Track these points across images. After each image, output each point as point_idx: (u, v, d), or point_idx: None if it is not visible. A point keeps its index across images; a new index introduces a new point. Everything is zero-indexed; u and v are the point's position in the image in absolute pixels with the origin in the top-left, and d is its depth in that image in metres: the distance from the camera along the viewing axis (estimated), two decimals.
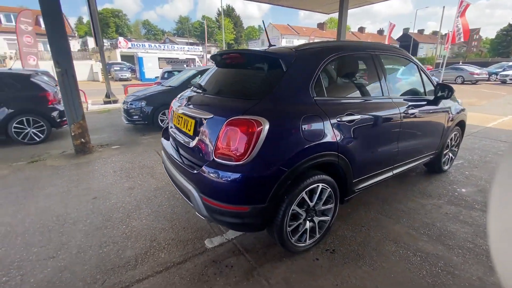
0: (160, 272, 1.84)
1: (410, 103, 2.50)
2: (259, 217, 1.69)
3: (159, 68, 20.85)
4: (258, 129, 1.58)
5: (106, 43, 43.42)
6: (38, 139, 4.92)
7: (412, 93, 2.72)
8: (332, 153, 1.86)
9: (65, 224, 2.41)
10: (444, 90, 2.69)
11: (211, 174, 1.65)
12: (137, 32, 73.59)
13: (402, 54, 2.65)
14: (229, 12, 63.59)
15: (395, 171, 2.58)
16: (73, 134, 4.25)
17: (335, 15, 7.84)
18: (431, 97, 2.78)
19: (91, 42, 47.68)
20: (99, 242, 2.16)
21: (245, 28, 67.86)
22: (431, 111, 2.77)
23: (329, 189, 1.97)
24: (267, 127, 1.60)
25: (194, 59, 23.06)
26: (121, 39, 31.69)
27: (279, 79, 1.79)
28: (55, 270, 1.86)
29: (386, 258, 1.94)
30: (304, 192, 1.81)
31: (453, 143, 3.36)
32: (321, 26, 52.40)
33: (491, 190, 0.41)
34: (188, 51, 31.80)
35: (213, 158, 1.68)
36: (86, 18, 69.45)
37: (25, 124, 4.77)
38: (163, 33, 77.54)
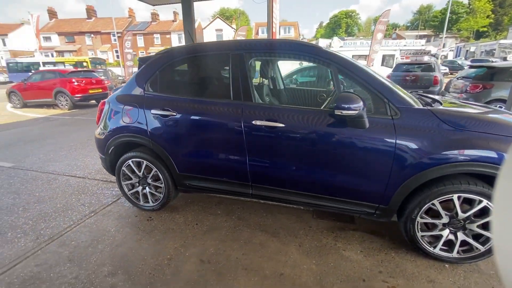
0: (104, 181, 3.33)
1: (279, 113, 1.93)
2: (106, 163, 2.62)
3: None
4: (102, 107, 2.50)
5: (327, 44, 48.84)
6: None
7: (299, 102, 1.95)
8: (142, 137, 2.29)
9: None
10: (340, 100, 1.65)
11: None
12: (366, 30, 74.53)
13: (298, 51, 1.96)
14: None
15: (255, 192, 2.16)
16: None
17: None
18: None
19: (321, 43, 56.08)
20: None
21: None
22: (328, 132, 1.83)
23: (155, 169, 2.39)
24: (107, 106, 2.47)
25: (393, 55, 20.76)
26: (335, 39, 34.49)
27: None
28: (69, 169, 3.92)
29: (161, 248, 2.09)
30: (130, 160, 2.45)
31: (462, 214, 1.72)
32: None
33: (496, 183, 0.40)
34: (396, 45, 28.33)
35: None
36: (325, 22, 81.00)
37: None
38: (394, 28, 72.59)
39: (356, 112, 1.64)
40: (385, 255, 1.96)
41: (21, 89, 9.60)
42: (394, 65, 11.03)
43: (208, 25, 37.11)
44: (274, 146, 1.99)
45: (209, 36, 35.83)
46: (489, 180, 1.67)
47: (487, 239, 1.75)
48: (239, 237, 2.19)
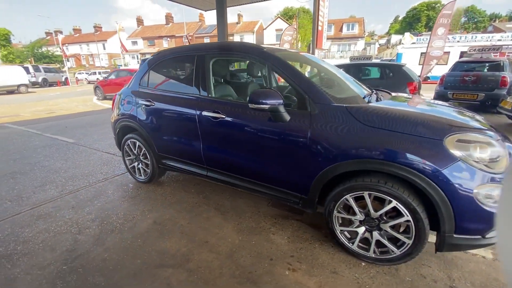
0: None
1: (225, 106, 2.23)
2: (116, 142, 3.35)
3: (419, 64, 19.18)
4: (115, 97, 3.22)
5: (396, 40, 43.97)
6: None
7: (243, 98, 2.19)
8: (133, 121, 2.89)
9: None
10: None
11: None
12: (454, 23, 64.01)
13: (242, 52, 2.22)
14: None
15: (210, 174, 2.50)
16: None
17: None
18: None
19: (393, 39, 50.90)
20: None
21: None
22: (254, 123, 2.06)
23: (144, 149, 2.97)
24: (118, 97, 3.17)
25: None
26: (406, 35, 30.95)
27: None
28: (107, 147, 4.84)
29: (134, 209, 2.66)
30: (129, 140, 3.10)
31: (374, 213, 1.73)
32: None
33: (504, 179, 0.40)
34: (487, 40, 23.73)
35: None
36: (401, 16, 72.76)
37: None
38: (492, 19, 60.46)
39: (268, 106, 1.83)
40: (308, 245, 2.07)
41: (103, 84, 11.96)
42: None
43: (269, 25, 38.02)
44: (219, 134, 2.30)
45: (269, 36, 36.71)
46: (407, 182, 1.63)
47: (404, 243, 1.71)
48: (194, 210, 2.58)
